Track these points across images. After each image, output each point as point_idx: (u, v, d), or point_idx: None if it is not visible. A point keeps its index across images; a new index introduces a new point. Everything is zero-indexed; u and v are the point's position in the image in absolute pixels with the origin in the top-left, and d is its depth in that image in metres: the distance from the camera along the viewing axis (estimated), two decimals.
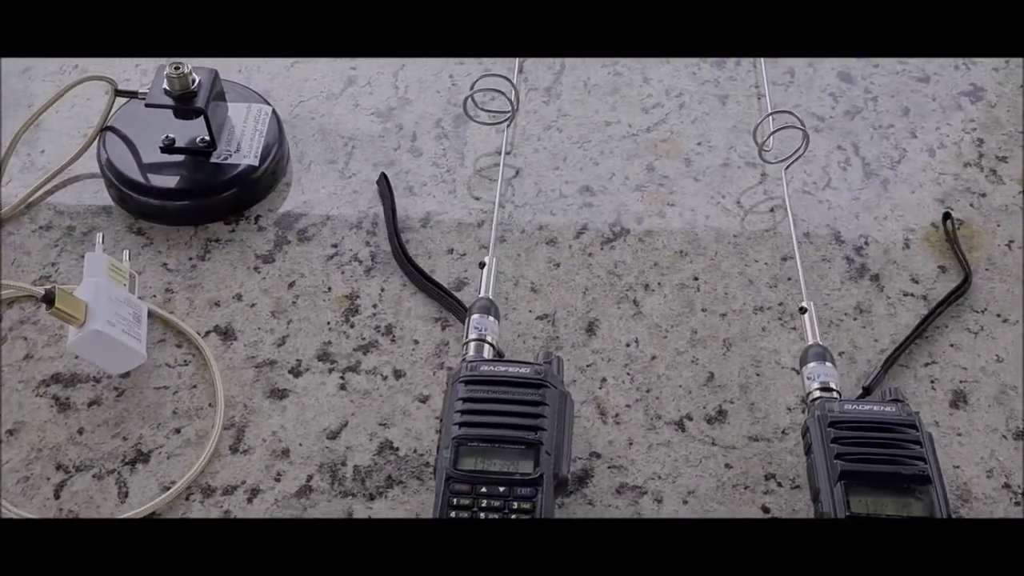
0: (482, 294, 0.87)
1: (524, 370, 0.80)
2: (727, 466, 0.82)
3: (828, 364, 0.82)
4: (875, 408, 0.78)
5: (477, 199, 1.00)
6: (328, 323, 0.91)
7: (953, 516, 0.78)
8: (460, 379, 0.80)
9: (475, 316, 0.85)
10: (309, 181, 1.02)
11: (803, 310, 0.87)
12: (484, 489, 0.75)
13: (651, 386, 0.87)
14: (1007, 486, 0.81)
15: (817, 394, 0.80)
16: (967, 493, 0.81)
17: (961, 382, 0.87)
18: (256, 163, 0.99)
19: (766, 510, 0.80)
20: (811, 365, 0.82)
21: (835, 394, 0.80)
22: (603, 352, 0.89)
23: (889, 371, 0.88)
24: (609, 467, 0.82)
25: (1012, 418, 0.85)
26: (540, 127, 1.07)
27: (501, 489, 0.74)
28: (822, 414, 0.77)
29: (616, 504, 0.80)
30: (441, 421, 0.79)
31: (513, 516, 0.73)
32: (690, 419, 0.85)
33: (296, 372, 0.88)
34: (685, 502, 0.80)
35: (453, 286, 0.93)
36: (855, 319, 0.91)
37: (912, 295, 0.93)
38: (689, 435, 0.84)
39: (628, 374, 0.88)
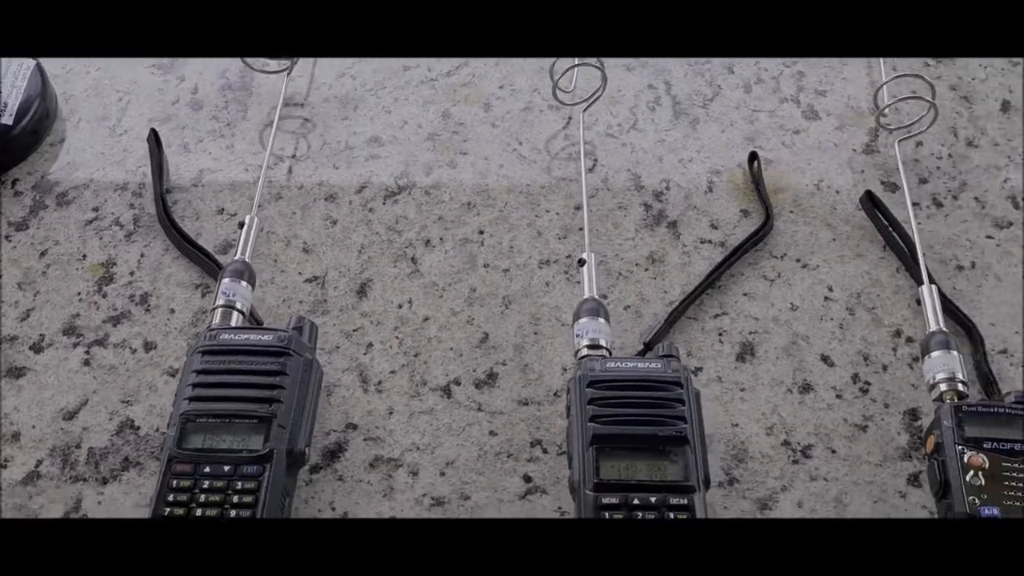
0: (237, 256, 0.80)
1: (267, 338, 0.74)
2: (492, 433, 0.77)
3: (600, 320, 0.76)
4: (639, 366, 0.73)
5: (256, 155, 0.93)
6: (78, 294, 0.84)
7: (725, 478, 0.74)
8: (197, 350, 0.73)
9: (225, 281, 0.78)
10: (77, 140, 0.94)
11: (582, 262, 0.81)
12: (207, 469, 0.69)
13: (420, 350, 0.81)
14: (786, 443, 0.76)
15: (585, 352, 0.75)
16: (743, 453, 0.76)
17: (751, 333, 0.82)
18: (11, 123, 0.91)
19: (527, 479, 0.75)
20: (582, 321, 0.76)
21: (604, 351, 0.75)
22: (373, 315, 0.83)
23: (675, 324, 0.82)
24: (365, 439, 0.77)
25: (800, 370, 0.80)
26: (333, 74, 0.99)
27: (226, 469, 0.68)
28: (583, 374, 0.72)
29: (368, 479, 0.74)
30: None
31: (235, 499, 0.67)
32: (458, 384, 0.79)
33: (37, 348, 0.81)
34: (442, 474, 0.75)
35: (219, 249, 0.87)
36: (646, 270, 0.86)
37: (710, 242, 0.87)
38: (455, 401, 0.78)
39: (397, 338, 0.82)
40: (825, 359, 0.80)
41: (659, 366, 0.72)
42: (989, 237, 0.88)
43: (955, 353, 0.75)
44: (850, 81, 0.99)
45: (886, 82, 0.93)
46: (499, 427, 0.77)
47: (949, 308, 0.82)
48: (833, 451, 0.76)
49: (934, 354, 0.75)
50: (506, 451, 0.76)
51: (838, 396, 0.78)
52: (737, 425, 0.77)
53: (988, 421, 0.70)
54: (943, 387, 0.74)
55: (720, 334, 0.82)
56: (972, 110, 0.97)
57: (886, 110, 0.92)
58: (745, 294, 0.84)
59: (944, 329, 0.77)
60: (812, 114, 0.97)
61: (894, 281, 0.85)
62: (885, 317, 0.83)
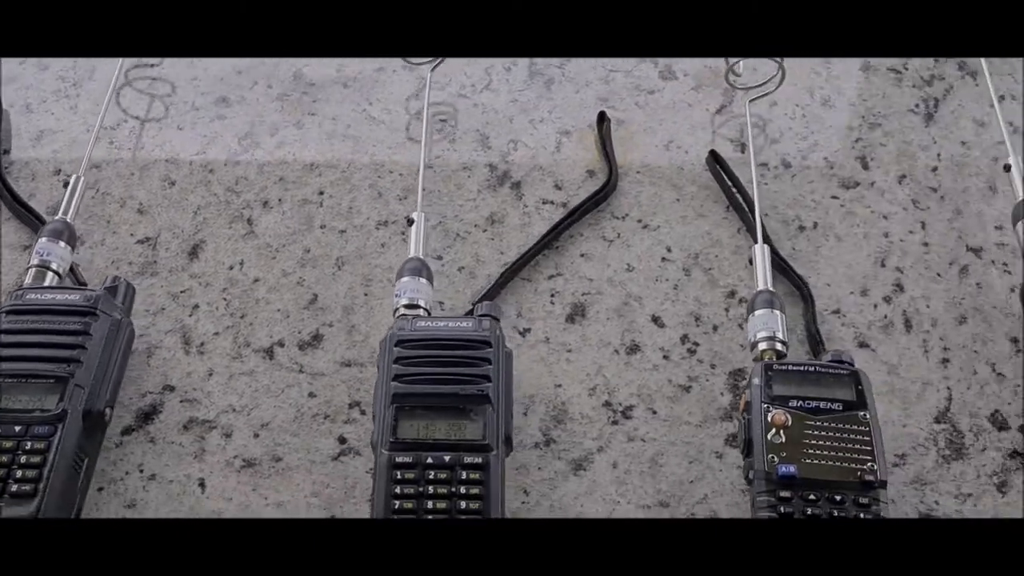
0: (59, 216, 0.79)
1: (73, 297, 0.73)
2: (311, 395, 0.76)
3: (421, 279, 0.75)
4: (450, 325, 0.72)
5: (97, 115, 0.91)
6: None
7: (542, 439, 0.73)
8: (3, 310, 0.72)
9: (41, 240, 0.77)
10: None
11: (410, 221, 0.80)
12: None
13: (247, 311, 0.80)
14: (608, 404, 0.75)
15: (402, 311, 0.74)
16: (563, 413, 0.75)
17: (583, 295, 0.81)
18: None
19: (343, 440, 0.74)
20: (403, 280, 0.75)
21: (422, 311, 0.74)
22: (202, 276, 0.82)
23: (508, 285, 0.81)
24: (182, 401, 0.75)
25: (629, 331, 0.79)
26: None
27: (16, 429, 0.67)
28: (392, 333, 0.71)
29: (180, 441, 0.73)
30: None
31: (22, 459, 0.66)
32: (281, 346, 0.78)
33: None
34: (256, 435, 0.74)
35: (52, 211, 0.85)
36: (485, 231, 0.85)
37: (552, 203, 0.86)
38: (277, 363, 0.77)
39: (224, 299, 0.80)
40: (656, 320, 0.80)
41: (470, 325, 0.72)
42: (834, 197, 0.87)
43: (778, 312, 0.74)
44: None
45: None
46: (319, 389, 0.76)
47: (783, 268, 0.81)
48: (654, 412, 0.75)
49: (757, 313, 0.74)
50: (323, 412, 0.75)
51: (665, 357, 0.78)
52: (560, 386, 0.76)
53: (796, 380, 0.70)
54: (762, 346, 0.73)
55: (552, 295, 0.81)
56: (831, 69, 0.96)
57: (736, 67, 0.91)
58: (582, 255, 0.83)
59: (771, 289, 0.76)
60: (669, 74, 0.95)
61: (734, 242, 0.84)
62: (721, 278, 0.82)
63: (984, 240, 0.84)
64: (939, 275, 0.82)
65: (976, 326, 0.79)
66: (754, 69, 0.93)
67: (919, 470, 0.72)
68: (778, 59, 0.88)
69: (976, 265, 0.82)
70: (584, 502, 0.71)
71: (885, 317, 0.80)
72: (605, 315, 0.80)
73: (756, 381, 0.70)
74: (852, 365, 0.71)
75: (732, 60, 0.91)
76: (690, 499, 0.71)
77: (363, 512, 0.70)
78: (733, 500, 0.71)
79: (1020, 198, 0.81)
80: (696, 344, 0.78)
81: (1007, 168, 0.83)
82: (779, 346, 0.73)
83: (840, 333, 0.79)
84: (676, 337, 0.79)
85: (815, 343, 0.77)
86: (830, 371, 0.70)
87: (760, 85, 0.91)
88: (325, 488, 0.71)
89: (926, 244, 0.84)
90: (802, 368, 0.70)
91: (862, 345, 0.78)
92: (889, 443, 0.73)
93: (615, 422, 0.75)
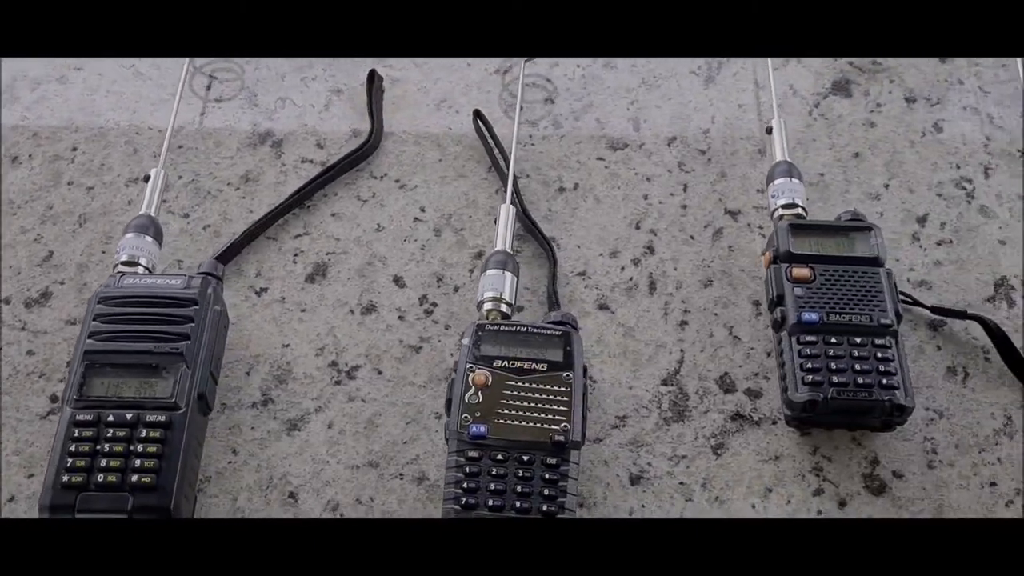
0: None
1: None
2: (30, 352, 0.74)
3: (147, 237, 0.74)
4: (158, 283, 0.70)
5: None
6: None
7: (260, 398, 0.72)
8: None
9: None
10: None
11: (147, 178, 0.78)
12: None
13: None
14: (334, 364, 0.74)
15: (120, 268, 0.72)
16: (287, 374, 0.73)
17: (328, 254, 0.79)
18: None
19: (54, 399, 0.72)
20: (127, 237, 0.73)
21: (140, 269, 0.72)
22: None
23: (252, 244, 0.80)
24: None
25: (368, 291, 0.77)
26: None
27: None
28: (99, 290, 0.69)
29: None
30: None
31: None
32: (7, 303, 0.76)
33: None
34: None
35: None
36: (237, 189, 0.83)
37: (311, 161, 0.85)
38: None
39: None
40: (397, 280, 0.78)
41: (178, 283, 0.70)
42: (600, 159, 0.85)
43: (508, 274, 0.73)
44: None
45: None
46: (39, 347, 0.74)
47: (532, 229, 0.80)
48: (379, 372, 0.74)
49: (488, 273, 0.73)
50: (39, 371, 0.73)
51: (400, 318, 0.76)
52: (288, 346, 0.75)
53: (505, 340, 0.69)
54: (488, 306, 0.72)
55: (296, 255, 0.79)
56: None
57: None
58: (333, 215, 0.82)
59: (508, 250, 0.75)
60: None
61: (491, 203, 0.83)
62: (471, 239, 0.81)
63: (744, 203, 0.83)
64: (692, 237, 0.81)
65: (721, 289, 0.78)
66: None
67: (638, 432, 0.71)
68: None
69: (731, 228, 0.81)
70: (293, 462, 0.70)
71: (631, 279, 0.79)
72: (347, 275, 0.78)
73: (465, 342, 0.69)
74: (574, 326, 0.70)
75: None
76: (401, 459, 0.70)
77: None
78: (443, 461, 0.70)
79: (777, 159, 0.80)
80: (434, 305, 0.77)
81: (768, 131, 0.82)
82: (504, 307, 0.72)
83: (583, 295, 0.78)
84: (415, 297, 0.77)
85: (552, 304, 0.76)
86: (542, 332, 0.69)
87: None
88: (28, 447, 0.70)
89: (684, 207, 0.83)
90: (513, 329, 0.69)
91: (602, 307, 0.77)
92: (613, 405, 0.72)
93: (338, 382, 0.73)
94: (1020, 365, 0.74)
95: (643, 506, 0.68)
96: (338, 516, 0.67)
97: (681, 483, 0.69)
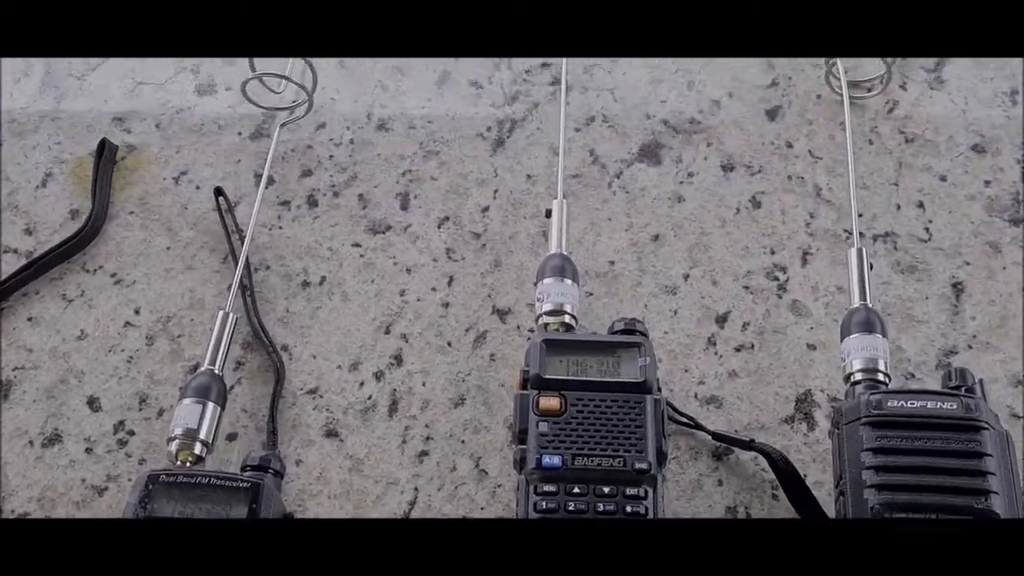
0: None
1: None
2: None
3: None
4: None
5: None
6: None
7: None
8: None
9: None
10: None
11: None
12: None
13: None
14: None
15: None
16: None
17: (15, 370, 0.68)
18: None
19: None
20: None
21: None
22: None
23: None
24: None
25: (56, 416, 0.66)
26: None
27: None
28: None
29: None
30: None
31: None
32: None
33: None
34: None
35: None
36: None
37: (15, 251, 0.73)
38: None
39: None
40: (92, 402, 0.67)
41: None
42: (356, 245, 0.74)
43: (211, 403, 0.61)
44: None
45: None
46: None
47: (259, 337, 0.69)
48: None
49: (184, 402, 0.61)
50: None
51: (88, 450, 0.65)
52: None
53: (178, 495, 0.57)
54: (173, 446, 0.60)
55: None
56: (400, 83, 0.82)
57: (262, 79, 0.77)
58: (30, 319, 0.70)
59: (215, 371, 0.63)
60: (208, 88, 0.81)
61: (219, 302, 0.71)
62: (189, 348, 0.69)
63: (516, 300, 0.71)
64: (449, 344, 0.69)
65: (474, 409, 0.67)
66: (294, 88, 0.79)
67: None
68: (298, 81, 0.74)
69: (497, 332, 0.70)
70: None
71: (369, 398, 0.67)
72: (32, 396, 0.67)
73: (131, 499, 0.57)
74: (277, 474, 0.59)
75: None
76: None
77: None
78: None
79: (552, 251, 0.68)
80: (131, 433, 0.66)
81: (548, 214, 0.70)
82: (198, 447, 0.60)
83: (309, 419, 0.66)
84: (110, 424, 0.66)
85: (270, 435, 0.65)
86: (225, 483, 0.58)
87: (293, 107, 0.78)
88: None
89: (446, 305, 0.71)
90: (193, 480, 0.58)
91: (330, 434, 0.66)
92: None
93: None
94: (809, 505, 0.63)
95: None
96: None
97: None
